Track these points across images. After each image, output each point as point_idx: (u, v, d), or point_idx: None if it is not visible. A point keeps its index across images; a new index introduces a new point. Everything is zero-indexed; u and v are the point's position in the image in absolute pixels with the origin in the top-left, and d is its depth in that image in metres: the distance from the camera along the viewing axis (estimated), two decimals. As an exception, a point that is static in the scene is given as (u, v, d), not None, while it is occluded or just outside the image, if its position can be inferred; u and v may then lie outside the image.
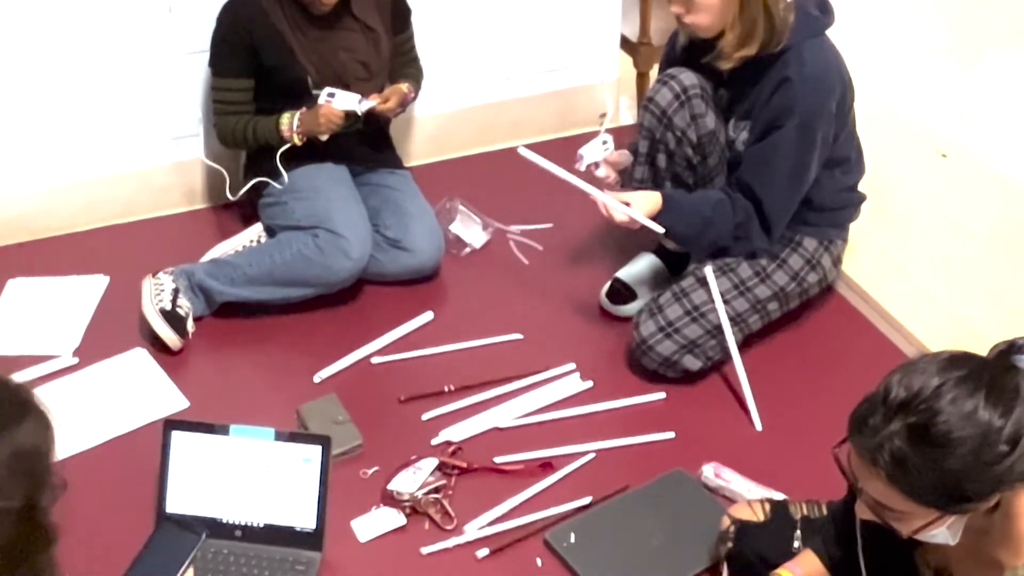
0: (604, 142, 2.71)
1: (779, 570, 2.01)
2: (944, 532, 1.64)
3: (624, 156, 2.76)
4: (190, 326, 2.77)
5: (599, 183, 2.67)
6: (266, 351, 2.79)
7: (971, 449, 1.52)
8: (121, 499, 2.35)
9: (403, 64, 3.07)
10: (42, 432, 1.37)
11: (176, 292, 2.77)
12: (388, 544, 2.32)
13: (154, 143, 3.17)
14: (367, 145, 3.06)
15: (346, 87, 2.86)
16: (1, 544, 1.31)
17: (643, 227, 2.58)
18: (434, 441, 2.53)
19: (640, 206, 2.56)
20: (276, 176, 2.91)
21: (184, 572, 1.57)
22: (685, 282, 2.68)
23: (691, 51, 2.66)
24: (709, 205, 2.61)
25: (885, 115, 3.43)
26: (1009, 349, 1.59)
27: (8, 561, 1.32)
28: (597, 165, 2.69)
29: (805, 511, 2.19)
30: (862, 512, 1.69)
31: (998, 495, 1.58)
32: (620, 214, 2.54)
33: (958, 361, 1.58)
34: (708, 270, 2.65)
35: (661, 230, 2.58)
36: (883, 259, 3.01)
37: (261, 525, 2.25)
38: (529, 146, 2.60)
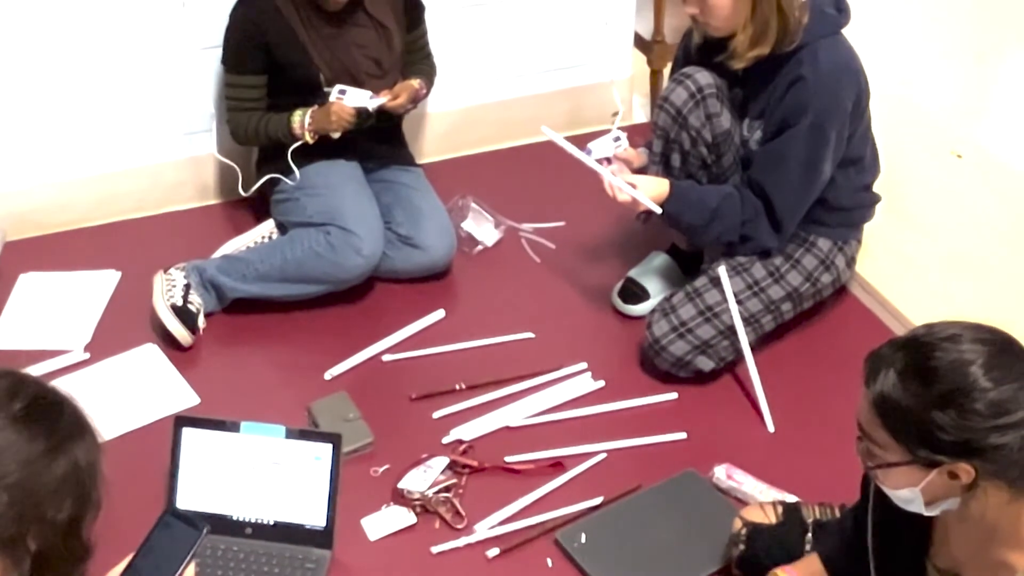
0: (616, 139, 2.70)
1: (777, 570, 2.02)
2: (917, 497, 1.63)
3: (640, 155, 2.75)
4: (201, 322, 2.77)
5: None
6: (277, 348, 2.79)
7: (947, 392, 1.54)
8: (131, 495, 2.31)
9: (416, 61, 3.06)
10: (95, 452, 1.41)
11: (187, 288, 2.76)
12: (398, 543, 2.32)
13: (166, 138, 3.17)
14: (379, 142, 3.05)
15: (358, 84, 2.85)
16: (39, 551, 1.33)
17: (655, 223, 2.56)
18: (445, 440, 2.52)
19: (646, 190, 2.55)
20: (288, 172, 2.90)
21: (185, 568, 1.57)
22: (698, 282, 2.67)
23: (705, 50, 2.64)
24: (717, 197, 2.60)
25: (900, 115, 3.41)
26: None
27: (41, 568, 1.34)
28: (609, 161, 2.68)
29: (818, 514, 2.18)
30: (858, 451, 1.70)
31: (968, 467, 1.56)
32: (623, 194, 2.54)
33: (989, 329, 1.61)
34: (722, 270, 2.64)
35: (659, 210, 2.56)
36: (897, 260, 3.00)
37: (271, 523, 2.25)
38: (543, 144, 2.60)
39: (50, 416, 1.38)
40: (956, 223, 3.13)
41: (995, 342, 1.58)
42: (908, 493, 1.64)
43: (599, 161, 2.64)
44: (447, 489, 2.39)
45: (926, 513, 1.66)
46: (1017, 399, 1.53)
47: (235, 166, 3.08)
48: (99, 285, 2.94)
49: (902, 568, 1.83)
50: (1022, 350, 1.59)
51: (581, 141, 2.72)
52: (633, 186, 2.55)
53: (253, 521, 2.25)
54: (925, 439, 1.56)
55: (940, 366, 1.55)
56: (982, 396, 1.53)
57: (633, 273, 2.93)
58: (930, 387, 1.55)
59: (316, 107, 2.85)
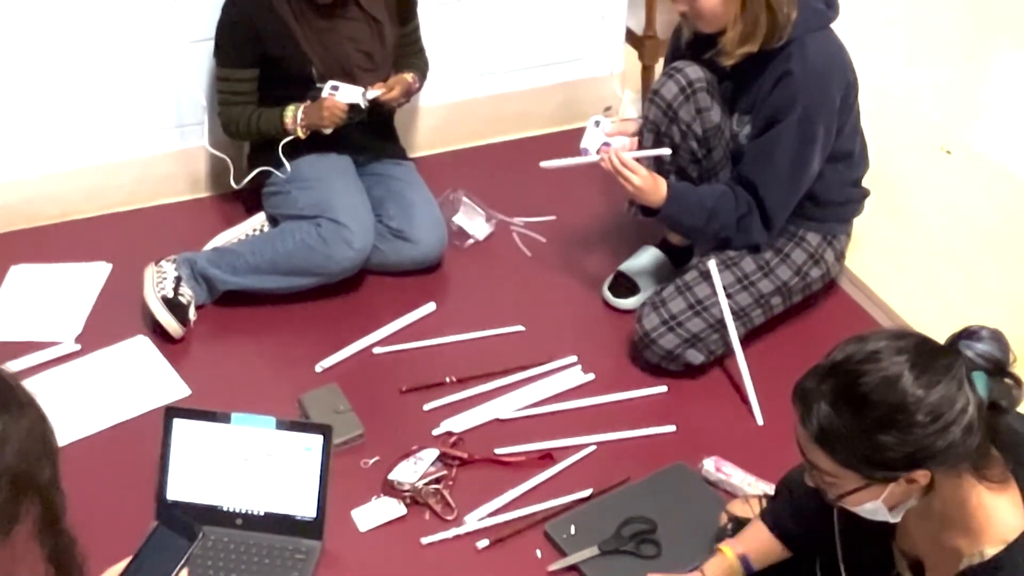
0: (597, 123, 2.71)
1: (720, 545, 2.06)
2: (882, 509, 1.66)
3: (636, 121, 2.75)
4: (192, 314, 2.78)
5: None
6: (268, 340, 2.80)
7: (886, 413, 1.54)
8: (122, 486, 2.35)
9: (408, 55, 3.07)
10: (34, 399, 1.39)
11: (178, 280, 2.77)
12: (388, 534, 2.32)
13: (158, 131, 3.17)
14: (371, 135, 3.05)
15: (351, 78, 2.85)
16: (42, 515, 1.33)
17: (647, 218, 2.57)
18: (435, 432, 2.53)
19: (643, 192, 2.56)
20: (279, 165, 2.91)
21: (179, 572, 1.57)
22: (688, 276, 2.68)
23: (695, 46, 2.65)
24: (712, 197, 2.61)
25: (889, 111, 3.42)
26: (960, 335, 1.62)
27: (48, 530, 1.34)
28: (608, 144, 2.68)
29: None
30: (807, 479, 1.72)
31: (924, 472, 1.59)
32: (627, 156, 2.53)
33: (902, 335, 1.61)
34: (711, 264, 2.65)
35: (668, 152, 2.58)
36: (886, 254, 3.01)
37: (262, 513, 2.25)
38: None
39: (6, 390, 1.37)
40: (945, 218, 3.15)
41: (913, 347, 1.58)
42: (871, 506, 1.67)
43: (602, 148, 2.65)
44: (437, 481, 2.40)
45: (892, 520, 1.69)
46: (950, 396, 1.54)
47: (226, 159, 3.09)
48: (90, 277, 2.94)
49: (870, 554, 1.86)
50: (938, 345, 1.61)
51: (572, 136, 2.72)
52: (635, 171, 2.55)
53: (244, 512, 2.26)
54: (876, 462, 1.58)
55: (870, 389, 1.55)
56: (919, 406, 1.54)
57: (623, 267, 2.93)
58: (867, 412, 1.55)
59: (309, 102, 2.86)
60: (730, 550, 2.04)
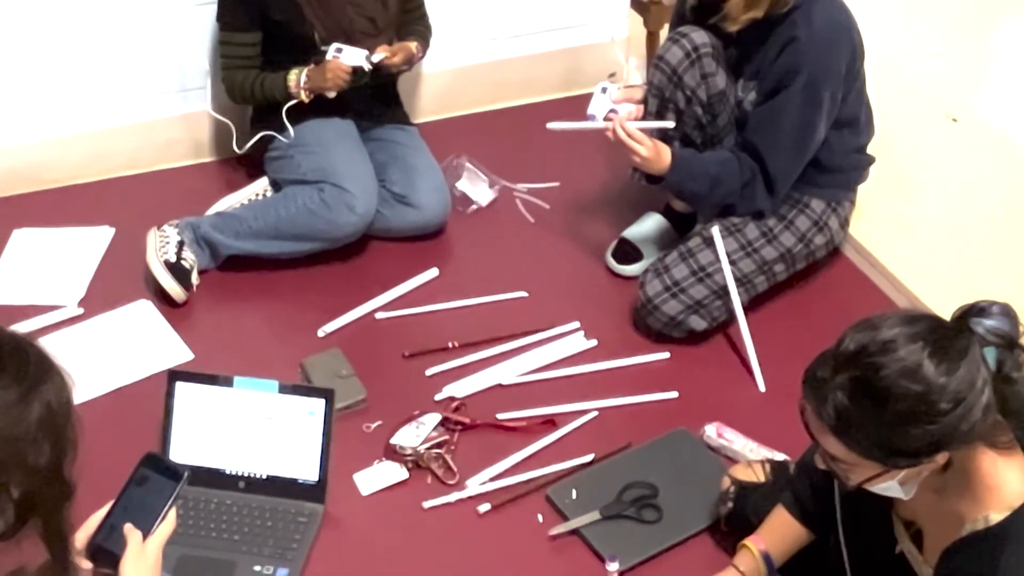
0: (604, 89, 2.69)
1: (746, 541, 2.05)
2: (895, 486, 1.66)
3: (641, 87, 2.74)
4: (195, 279, 2.78)
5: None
6: (271, 304, 2.80)
7: (910, 405, 1.53)
8: (124, 449, 2.32)
9: (411, 21, 3.05)
10: (65, 390, 1.41)
11: (181, 245, 2.77)
12: (390, 498, 2.33)
13: (161, 95, 3.16)
14: (375, 100, 3.04)
15: (353, 43, 2.83)
16: (23, 498, 1.34)
17: (651, 184, 2.56)
18: (437, 397, 2.53)
19: (650, 155, 2.55)
20: (283, 130, 2.90)
21: (167, 512, 1.58)
22: (692, 242, 2.68)
23: (700, 11, 2.63)
24: (716, 164, 2.60)
25: (896, 77, 3.40)
26: (969, 311, 1.60)
27: (26, 513, 1.35)
28: (615, 111, 2.67)
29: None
30: (818, 463, 1.72)
31: (944, 453, 1.59)
32: (633, 126, 2.52)
33: (913, 319, 1.59)
34: (715, 231, 2.64)
35: (672, 124, 2.57)
36: (890, 222, 3.00)
37: (264, 477, 2.26)
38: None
39: (17, 362, 1.37)
40: (950, 186, 3.14)
41: (925, 332, 1.56)
42: (886, 485, 1.66)
43: (609, 115, 2.63)
44: (439, 445, 2.40)
45: (905, 497, 1.69)
46: (971, 378, 1.53)
47: (229, 123, 3.08)
48: (93, 241, 2.94)
49: (869, 520, 1.86)
50: (950, 326, 1.59)
51: (576, 102, 2.71)
52: (641, 142, 2.53)
53: (246, 475, 2.27)
54: (900, 451, 1.58)
55: (891, 383, 1.53)
56: (942, 393, 1.52)
57: (627, 233, 2.93)
58: (889, 405, 1.54)
59: (312, 65, 2.85)
60: (754, 546, 2.04)
